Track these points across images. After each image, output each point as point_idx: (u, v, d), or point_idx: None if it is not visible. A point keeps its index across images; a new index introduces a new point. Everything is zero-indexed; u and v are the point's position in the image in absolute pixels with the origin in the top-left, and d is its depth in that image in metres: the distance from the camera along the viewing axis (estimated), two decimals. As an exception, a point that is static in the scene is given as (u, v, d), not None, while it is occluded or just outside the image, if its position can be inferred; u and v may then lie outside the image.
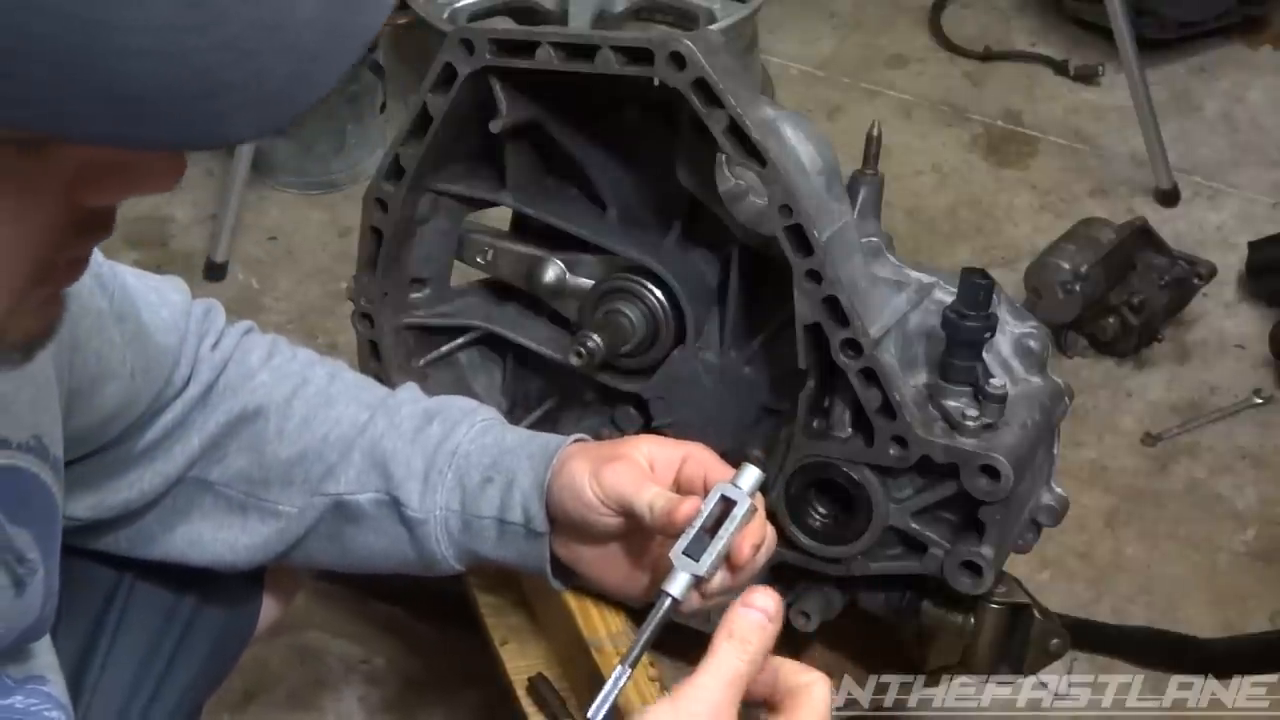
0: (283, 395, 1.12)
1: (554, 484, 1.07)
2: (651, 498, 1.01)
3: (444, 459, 1.09)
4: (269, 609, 1.27)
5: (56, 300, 0.70)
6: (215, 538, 1.12)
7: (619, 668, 0.87)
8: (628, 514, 1.04)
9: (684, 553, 0.93)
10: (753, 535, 0.99)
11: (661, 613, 0.91)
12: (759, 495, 0.97)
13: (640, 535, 1.08)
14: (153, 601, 1.17)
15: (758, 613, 0.82)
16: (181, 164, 0.63)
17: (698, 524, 0.95)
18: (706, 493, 0.98)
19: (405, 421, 1.11)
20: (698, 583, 0.93)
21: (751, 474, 0.95)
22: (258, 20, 0.54)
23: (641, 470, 1.04)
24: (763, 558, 1.03)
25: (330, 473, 1.11)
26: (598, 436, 1.47)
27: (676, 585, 0.92)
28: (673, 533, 0.96)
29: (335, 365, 1.18)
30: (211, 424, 1.11)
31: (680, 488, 1.05)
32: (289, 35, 0.55)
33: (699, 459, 1.06)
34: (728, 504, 0.95)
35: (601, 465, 1.04)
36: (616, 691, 0.86)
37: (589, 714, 0.85)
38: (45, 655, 0.93)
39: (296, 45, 0.56)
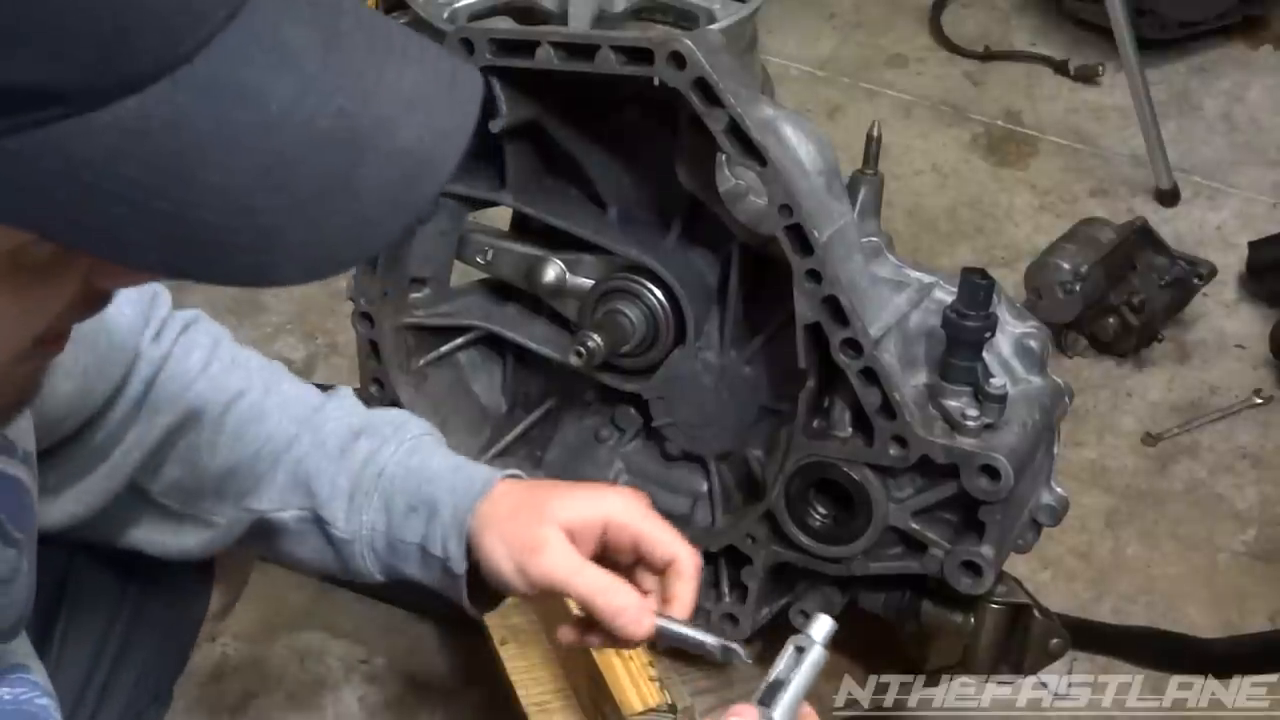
0: (217, 410, 1.13)
1: (474, 541, 1.07)
2: (589, 588, 1.03)
3: (369, 480, 1.10)
4: (222, 593, 1.29)
5: (43, 369, 0.72)
6: (149, 541, 1.14)
7: None
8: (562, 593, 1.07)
9: (759, 702, 0.95)
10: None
11: None
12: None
13: None
14: (102, 585, 1.18)
15: None
16: None
17: (772, 675, 0.97)
18: (633, 552, 1.05)
19: (330, 439, 1.12)
20: None
21: (825, 624, 0.96)
22: (327, 187, 0.58)
23: (566, 551, 1.04)
24: None
25: (255, 488, 1.12)
26: (597, 437, 1.48)
27: None
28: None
29: (273, 373, 1.17)
30: (150, 436, 1.11)
31: (606, 552, 1.07)
32: (353, 201, 0.59)
33: (621, 522, 1.06)
34: (799, 651, 0.96)
35: (524, 558, 1.04)
36: None
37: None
38: (23, 644, 0.94)
39: (357, 211, 0.59)
